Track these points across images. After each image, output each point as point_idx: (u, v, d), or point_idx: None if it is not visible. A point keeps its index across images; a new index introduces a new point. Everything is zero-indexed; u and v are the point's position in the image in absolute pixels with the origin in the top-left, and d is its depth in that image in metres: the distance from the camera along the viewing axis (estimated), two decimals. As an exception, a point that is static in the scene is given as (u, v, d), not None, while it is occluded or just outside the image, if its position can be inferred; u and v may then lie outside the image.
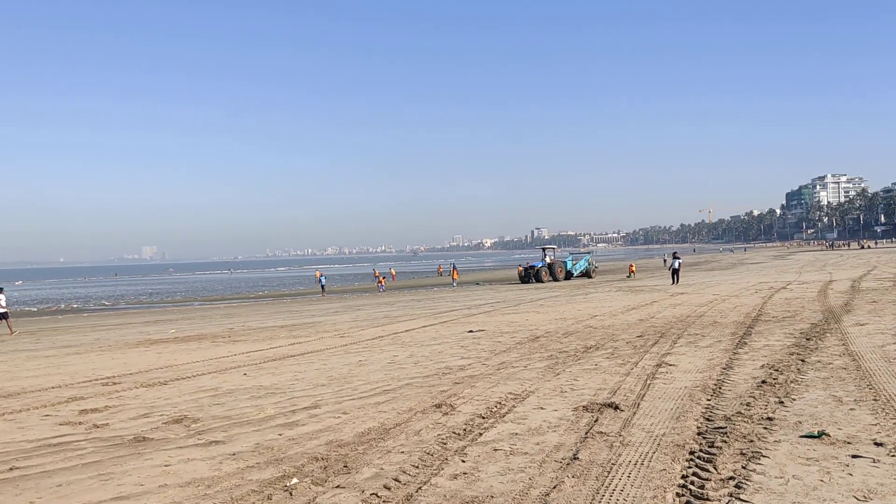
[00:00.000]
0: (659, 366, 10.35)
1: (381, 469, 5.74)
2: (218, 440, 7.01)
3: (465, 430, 6.96)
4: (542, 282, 43.67)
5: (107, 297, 62.75)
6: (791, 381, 8.67)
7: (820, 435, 6.17)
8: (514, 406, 8.01)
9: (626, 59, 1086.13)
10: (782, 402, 7.56)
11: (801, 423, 6.70)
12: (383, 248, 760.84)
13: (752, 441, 6.07)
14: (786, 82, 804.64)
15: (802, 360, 10.14)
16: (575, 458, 5.76)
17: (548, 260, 46.00)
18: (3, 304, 25.79)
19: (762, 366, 9.91)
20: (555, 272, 44.77)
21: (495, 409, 7.90)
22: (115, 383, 11.35)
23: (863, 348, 10.92)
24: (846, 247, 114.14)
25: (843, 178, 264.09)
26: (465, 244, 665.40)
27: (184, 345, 17.75)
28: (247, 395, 9.59)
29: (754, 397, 7.85)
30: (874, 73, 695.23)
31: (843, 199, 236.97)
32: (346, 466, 5.85)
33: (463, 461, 5.87)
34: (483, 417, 7.50)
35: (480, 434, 6.77)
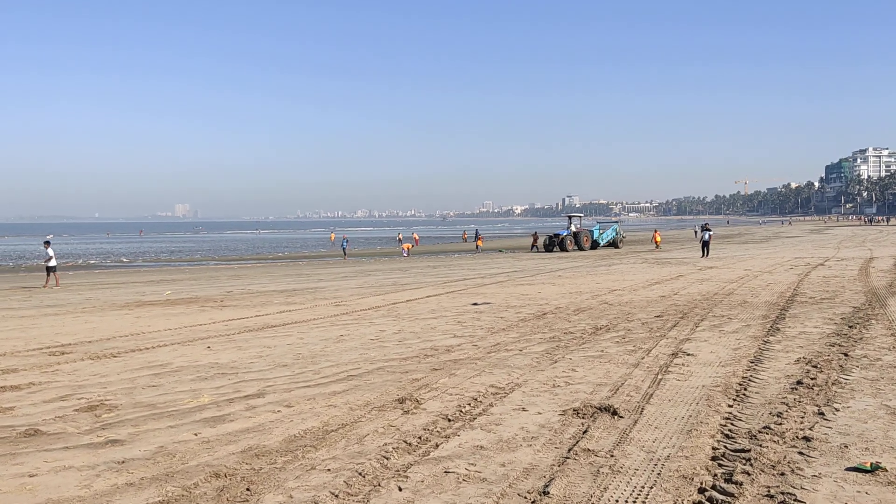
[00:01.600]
0: (675, 355, 8.87)
1: (290, 497, 4.40)
2: (119, 439, 5.73)
3: (420, 437, 5.59)
4: (567, 251, 42.03)
5: (128, 254, 62.42)
6: (833, 383, 7.15)
7: (874, 469, 4.69)
8: (491, 405, 6.62)
9: (663, 24, 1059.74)
10: (822, 414, 6.06)
11: (847, 446, 5.21)
12: (413, 212, 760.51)
13: (783, 475, 4.61)
14: (828, 52, 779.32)
15: (846, 355, 8.58)
16: (545, 494, 4.36)
17: (573, 228, 44.23)
18: (52, 255, 26.69)
19: (797, 360, 8.38)
20: (580, 241, 43.05)
21: (468, 407, 6.52)
22: (63, 353, 10.18)
23: (918, 342, 9.32)
24: (885, 222, 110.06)
25: (885, 152, 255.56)
26: (496, 210, 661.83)
27: (170, 308, 16.62)
28: (192, 376, 8.32)
29: (787, 405, 6.36)
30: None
31: (884, 174, 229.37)
32: (248, 490, 4.52)
33: (399, 489, 4.50)
34: (449, 420, 6.12)
35: (437, 445, 5.39)
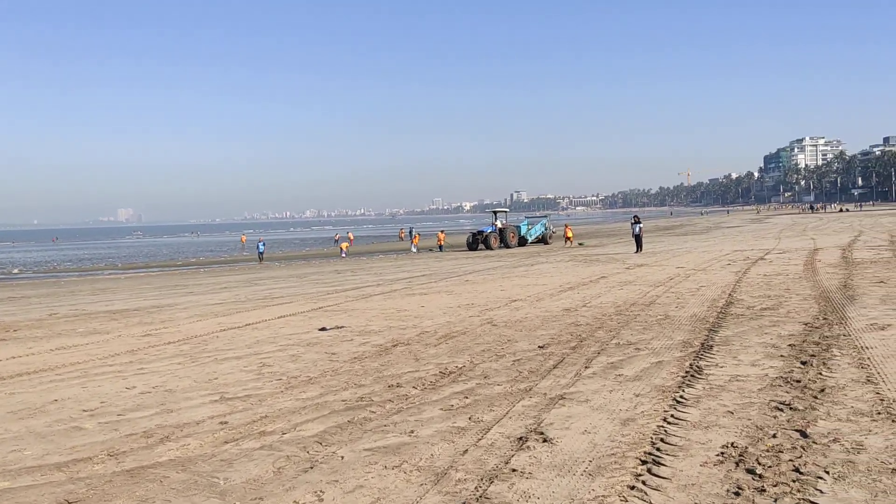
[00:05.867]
0: (523, 441, 5.30)
1: None
2: None
3: None
4: (492, 248, 38.61)
5: (30, 264, 57.01)
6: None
7: None
8: None
9: (604, 18, 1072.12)
10: None
11: None
12: (362, 210, 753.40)
13: None
14: (765, 45, 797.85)
15: (803, 435, 5.12)
16: None
17: (498, 225, 40.81)
18: None
19: (722, 452, 4.88)
20: (506, 238, 39.67)
21: None
22: None
23: (909, 395, 5.93)
24: (823, 209, 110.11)
25: (822, 141, 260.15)
26: (445, 207, 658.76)
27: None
28: None
29: None
30: (854, 35, 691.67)
31: (820, 162, 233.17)
32: None
33: None
34: None
35: None
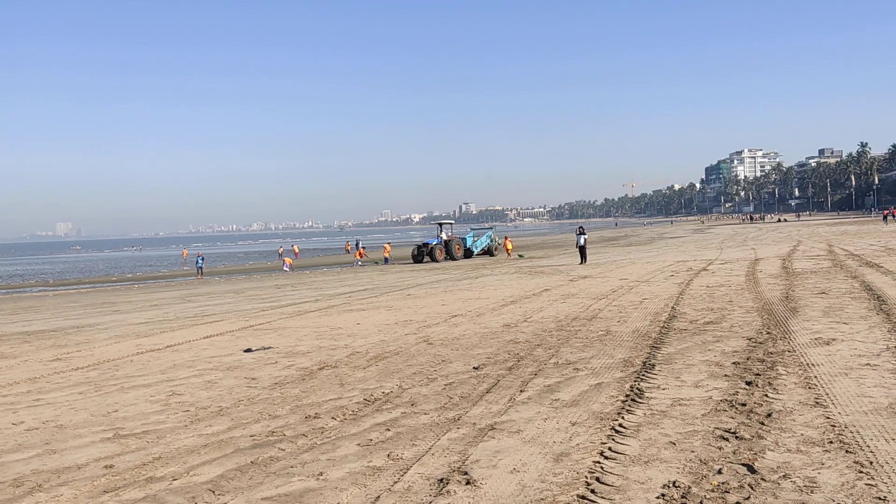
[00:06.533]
0: (444, 484, 4.72)
1: None
2: None
3: None
4: (437, 261, 38.07)
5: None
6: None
7: None
8: None
9: (546, 27, 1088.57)
10: None
11: None
12: (310, 223, 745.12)
13: None
14: (707, 59, 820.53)
15: (750, 470, 4.64)
16: None
17: (444, 237, 40.30)
18: None
19: (663, 494, 4.37)
20: (451, 250, 39.19)
21: None
22: None
23: (861, 419, 5.53)
24: (762, 219, 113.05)
25: (760, 153, 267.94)
26: (394, 219, 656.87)
27: None
28: None
29: None
30: (790, 51, 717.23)
31: (759, 174, 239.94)
32: None
33: None
34: None
35: None
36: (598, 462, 4.92)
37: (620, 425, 5.79)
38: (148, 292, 30.74)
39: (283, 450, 5.65)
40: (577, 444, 5.36)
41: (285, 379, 8.71)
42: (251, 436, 6.14)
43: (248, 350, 11.35)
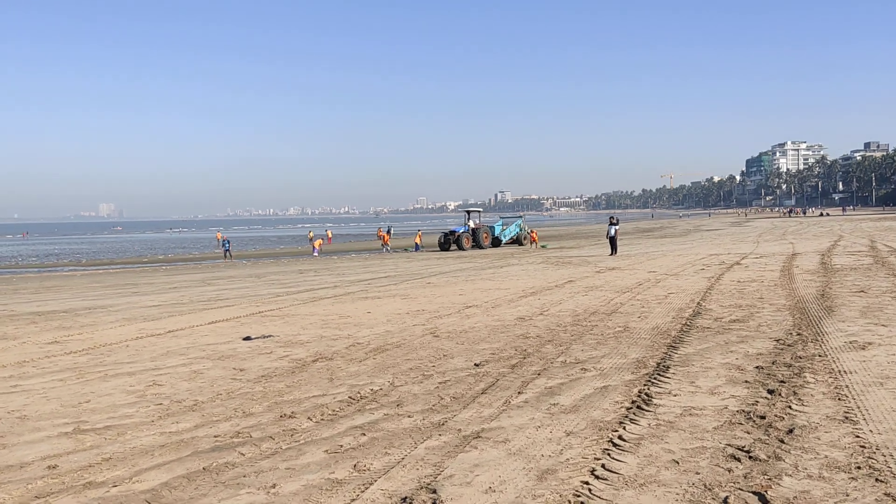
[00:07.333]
0: None
1: None
2: None
3: None
4: (464, 249, 37.45)
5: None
6: None
7: None
8: None
9: (588, 19, 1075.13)
10: None
11: None
12: (346, 209, 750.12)
13: None
14: (750, 48, 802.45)
15: (762, 499, 3.98)
16: None
17: (471, 225, 39.63)
18: None
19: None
20: (479, 239, 38.51)
21: None
22: None
23: (894, 440, 4.81)
24: (803, 213, 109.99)
25: (803, 146, 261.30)
26: (430, 206, 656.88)
27: None
28: None
29: None
30: (836, 41, 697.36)
31: (802, 167, 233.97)
32: None
33: None
34: None
35: None
36: (587, 483, 4.29)
37: (620, 437, 5.15)
38: (172, 274, 30.69)
39: (243, 454, 5.13)
40: (567, 459, 4.74)
41: (274, 371, 8.22)
42: (215, 436, 5.63)
43: (248, 338, 10.90)
